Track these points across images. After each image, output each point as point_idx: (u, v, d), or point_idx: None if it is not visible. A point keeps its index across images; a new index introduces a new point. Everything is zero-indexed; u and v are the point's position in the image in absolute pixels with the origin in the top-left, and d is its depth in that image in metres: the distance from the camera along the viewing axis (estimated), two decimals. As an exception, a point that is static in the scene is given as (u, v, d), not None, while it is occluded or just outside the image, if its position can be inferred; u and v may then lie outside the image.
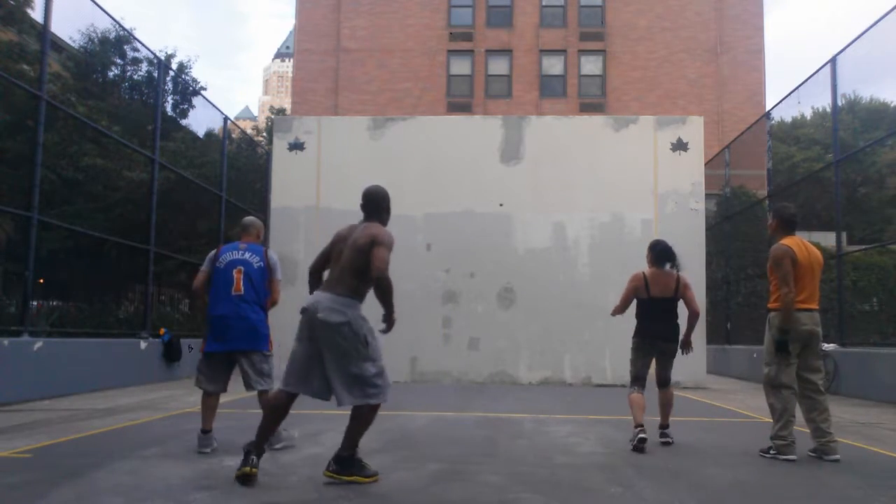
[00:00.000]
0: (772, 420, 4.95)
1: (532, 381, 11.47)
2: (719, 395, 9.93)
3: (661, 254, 5.50)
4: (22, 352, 7.69)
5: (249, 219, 5.24)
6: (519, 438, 5.67)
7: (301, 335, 3.91)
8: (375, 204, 4.17)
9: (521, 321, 11.55)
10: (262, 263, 4.91)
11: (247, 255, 4.90)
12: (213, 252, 5.04)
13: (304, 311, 3.92)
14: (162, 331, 11.09)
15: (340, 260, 4.00)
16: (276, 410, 3.99)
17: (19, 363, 7.61)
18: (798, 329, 4.85)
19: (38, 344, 7.97)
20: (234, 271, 4.83)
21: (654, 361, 5.46)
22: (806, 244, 5.02)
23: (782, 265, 4.86)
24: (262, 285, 4.91)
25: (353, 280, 3.94)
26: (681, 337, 5.43)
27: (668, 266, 5.48)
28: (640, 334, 5.47)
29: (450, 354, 11.66)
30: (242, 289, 4.80)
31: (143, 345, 10.36)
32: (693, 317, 5.45)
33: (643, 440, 5.00)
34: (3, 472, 4.05)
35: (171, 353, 10.93)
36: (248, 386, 4.88)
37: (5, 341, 7.47)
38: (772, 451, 4.86)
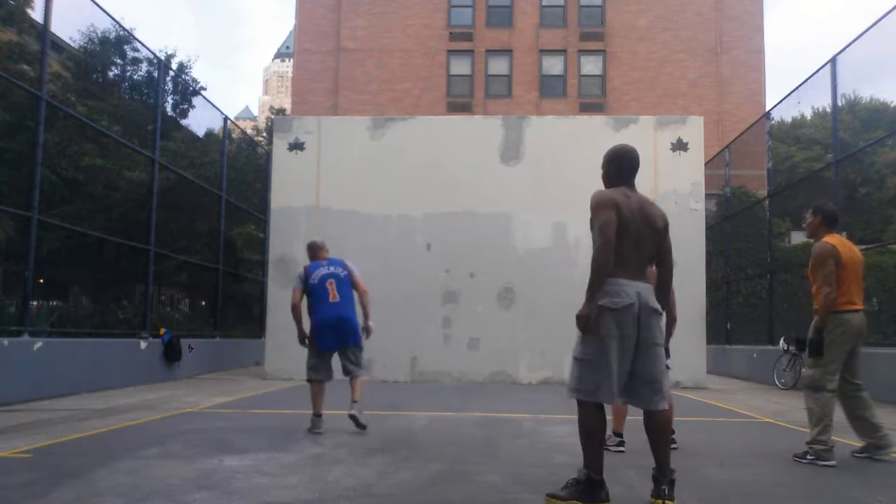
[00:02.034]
0: (809, 425, 4.80)
1: (532, 381, 11.47)
2: (719, 395, 9.92)
3: None
4: (22, 352, 7.68)
5: (318, 241, 6.39)
6: (519, 438, 5.68)
7: (619, 333, 3.40)
8: (636, 165, 3.75)
9: (521, 321, 11.55)
10: (345, 273, 6.04)
11: (332, 269, 6.04)
12: (301, 272, 6.10)
13: (629, 306, 3.40)
14: (162, 331, 11.09)
15: (641, 242, 3.52)
16: (595, 430, 3.50)
17: (19, 363, 7.61)
18: (848, 331, 4.73)
19: (38, 344, 7.96)
20: (327, 283, 5.94)
21: None
22: (848, 242, 4.90)
23: (826, 265, 4.72)
24: (350, 290, 6.02)
25: (648, 266, 3.62)
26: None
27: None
28: None
29: (450, 354, 11.66)
30: (338, 296, 5.92)
31: (143, 345, 10.36)
32: (670, 321, 5.27)
33: (619, 451, 4.96)
34: (3, 472, 4.05)
35: (171, 353, 10.92)
36: (349, 374, 5.94)
37: (5, 341, 7.47)
38: (809, 457, 4.69)
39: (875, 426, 4.82)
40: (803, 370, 4.96)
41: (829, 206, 5.06)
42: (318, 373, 5.91)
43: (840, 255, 4.75)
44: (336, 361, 6.04)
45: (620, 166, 3.74)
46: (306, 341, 5.96)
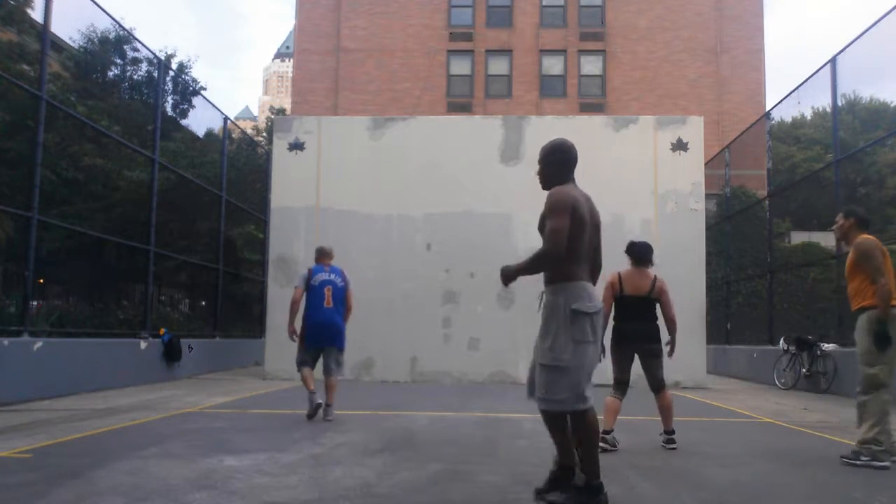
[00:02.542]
0: (863, 424, 4.66)
1: (532, 381, 11.45)
2: (719, 395, 9.92)
3: (640, 254, 5.38)
4: (22, 352, 7.68)
5: (326, 247, 7.08)
6: (519, 438, 5.67)
7: (594, 337, 3.39)
8: (577, 159, 3.68)
9: (520, 321, 11.52)
10: (342, 283, 6.81)
11: (332, 276, 6.79)
12: (305, 273, 6.85)
13: (600, 311, 3.46)
14: (162, 331, 11.08)
15: (591, 243, 3.56)
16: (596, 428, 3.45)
17: (19, 363, 7.60)
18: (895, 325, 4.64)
19: (38, 344, 7.96)
20: (325, 289, 6.69)
21: (641, 366, 5.30)
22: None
23: (874, 257, 4.67)
24: (343, 299, 6.82)
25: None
26: (664, 343, 5.26)
27: (646, 266, 5.39)
28: (613, 335, 5.28)
29: (450, 354, 11.66)
30: (332, 303, 6.69)
31: (143, 345, 10.36)
32: (669, 323, 5.33)
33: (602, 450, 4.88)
34: (3, 472, 4.05)
35: (171, 353, 10.92)
36: (328, 372, 6.67)
37: (5, 341, 7.47)
38: (863, 458, 4.57)
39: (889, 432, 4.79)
40: (862, 368, 4.80)
41: (861, 210, 5.07)
42: (306, 364, 6.76)
43: (884, 249, 4.75)
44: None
45: (566, 160, 3.61)
46: (294, 336, 6.73)
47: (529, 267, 3.38)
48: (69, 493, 3.57)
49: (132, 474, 4.03)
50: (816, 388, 10.48)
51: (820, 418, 7.22)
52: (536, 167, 3.70)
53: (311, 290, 6.68)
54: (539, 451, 5.06)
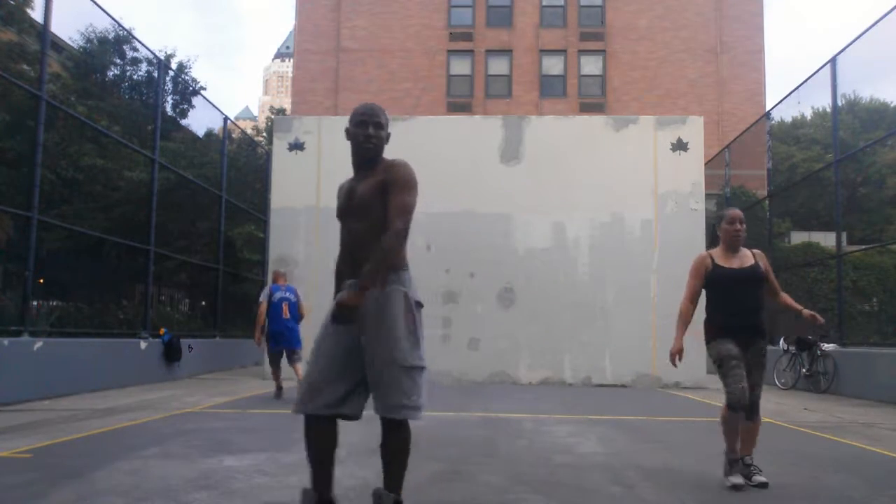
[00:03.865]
0: None
1: (532, 381, 11.46)
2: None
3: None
4: (22, 352, 7.68)
5: (281, 270, 9.50)
6: (519, 438, 5.67)
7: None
8: None
9: (521, 321, 11.54)
10: (295, 299, 8.67)
11: (287, 294, 8.65)
12: (266, 291, 8.78)
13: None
14: (162, 331, 11.08)
15: None
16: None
17: (19, 363, 7.60)
18: None
19: (38, 344, 7.96)
20: (283, 304, 8.52)
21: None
22: None
23: None
24: (297, 311, 8.66)
25: None
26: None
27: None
28: None
29: (450, 354, 11.65)
30: (288, 315, 8.53)
31: (143, 345, 10.36)
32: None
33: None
34: (3, 472, 4.05)
35: (171, 353, 10.91)
36: (291, 362, 8.43)
37: (5, 341, 7.46)
38: None
39: None
40: None
41: None
42: (273, 363, 8.60)
43: None
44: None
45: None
46: (259, 342, 8.56)
47: (384, 259, 2.85)
48: (69, 493, 3.57)
49: (132, 474, 4.03)
50: (816, 388, 10.48)
51: (820, 418, 7.22)
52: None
53: (272, 305, 8.49)
54: (539, 451, 5.07)
